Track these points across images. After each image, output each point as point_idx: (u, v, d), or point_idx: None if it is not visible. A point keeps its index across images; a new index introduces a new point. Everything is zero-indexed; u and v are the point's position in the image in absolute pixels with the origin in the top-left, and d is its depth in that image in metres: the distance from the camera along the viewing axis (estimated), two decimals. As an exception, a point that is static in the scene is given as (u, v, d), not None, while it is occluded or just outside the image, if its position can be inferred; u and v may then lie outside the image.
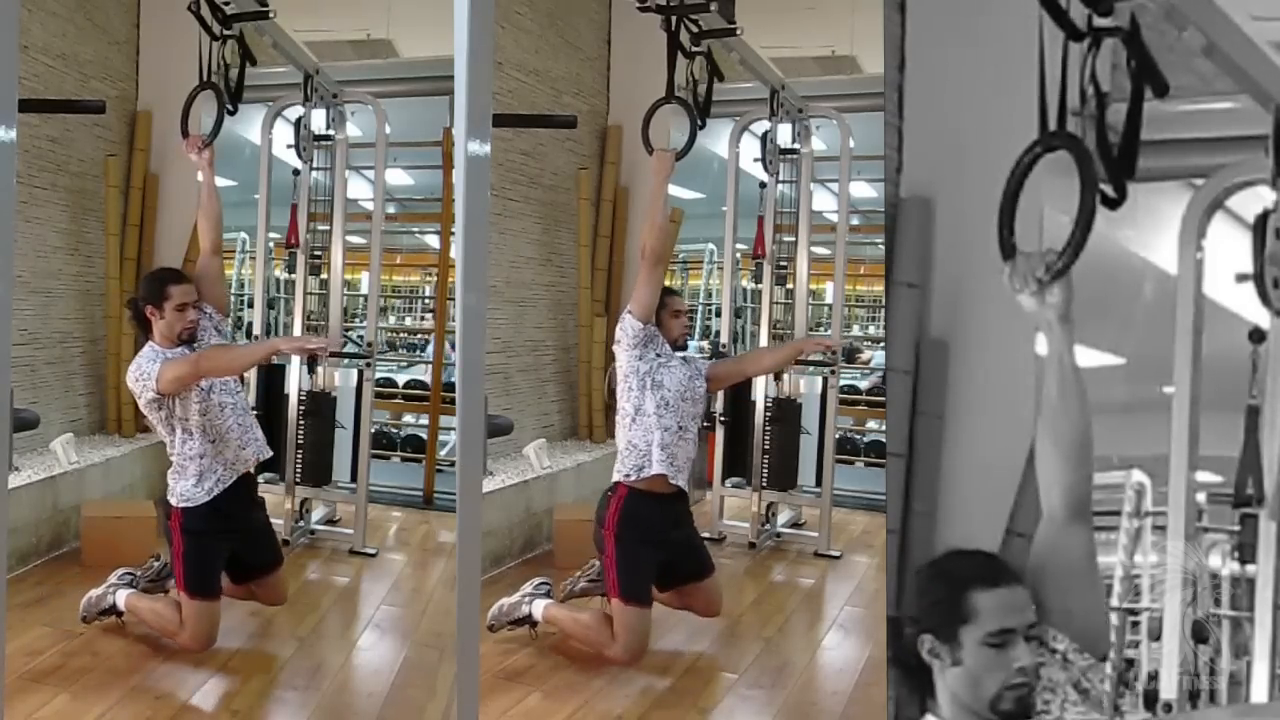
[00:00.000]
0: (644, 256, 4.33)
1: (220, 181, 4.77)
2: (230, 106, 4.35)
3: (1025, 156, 2.48)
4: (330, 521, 5.41)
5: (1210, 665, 4.27)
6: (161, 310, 4.10)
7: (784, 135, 5.57)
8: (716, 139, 5.67)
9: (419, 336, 7.89)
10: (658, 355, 4.46)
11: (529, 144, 5.46)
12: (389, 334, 7.75)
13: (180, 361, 4.08)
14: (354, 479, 5.37)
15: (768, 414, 5.59)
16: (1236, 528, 4.42)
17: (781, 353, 5.32)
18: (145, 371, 4.05)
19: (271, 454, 4.42)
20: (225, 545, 4.22)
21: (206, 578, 4.14)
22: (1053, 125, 2.48)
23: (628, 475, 4.39)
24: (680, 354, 4.55)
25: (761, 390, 5.60)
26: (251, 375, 5.36)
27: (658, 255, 4.28)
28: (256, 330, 5.34)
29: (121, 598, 4.28)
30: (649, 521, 4.34)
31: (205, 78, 4.27)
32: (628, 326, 4.41)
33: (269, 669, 4.16)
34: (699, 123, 4.64)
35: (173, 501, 4.21)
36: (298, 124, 5.14)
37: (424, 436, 6.01)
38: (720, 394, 5.85)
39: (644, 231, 4.30)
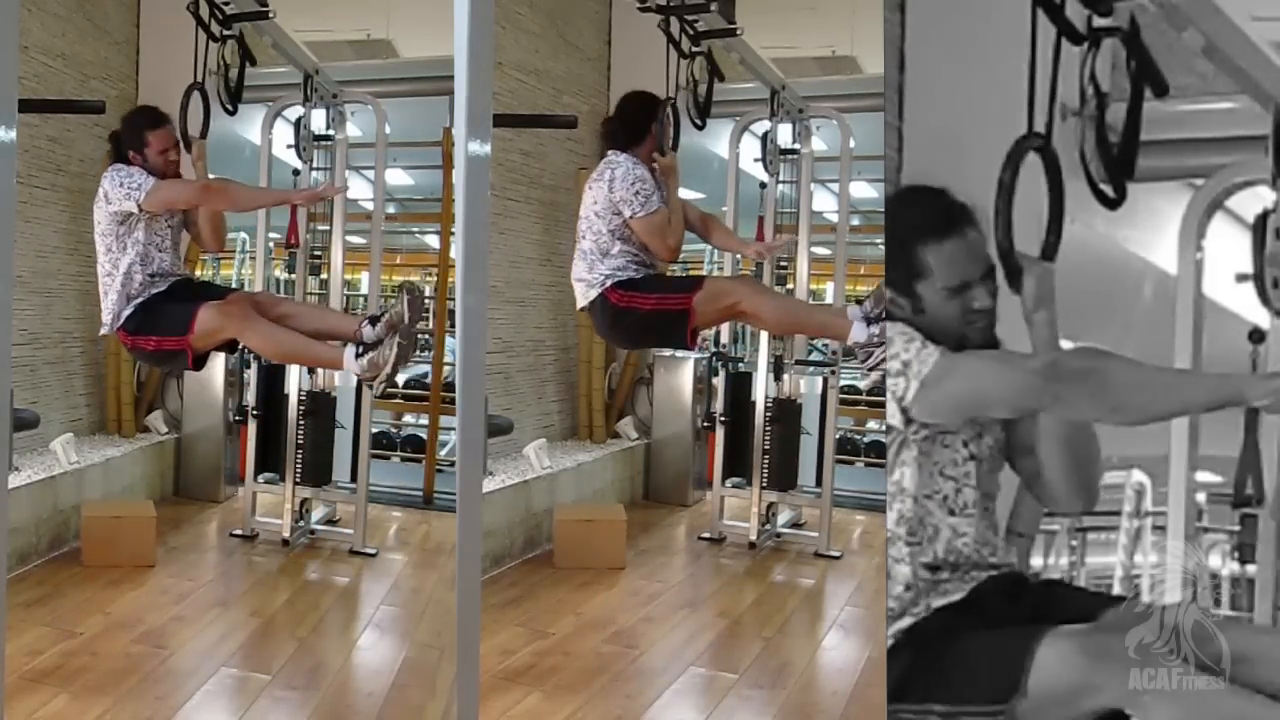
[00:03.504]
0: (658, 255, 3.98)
1: (220, 182, 4.77)
2: (229, 106, 4.34)
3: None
4: (330, 521, 5.42)
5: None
6: (143, 155, 3.95)
7: (784, 135, 5.57)
8: (716, 139, 5.67)
9: (419, 336, 7.88)
10: None
11: (529, 144, 5.46)
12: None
13: (181, 185, 3.96)
14: (354, 479, 5.37)
15: (768, 414, 5.60)
16: (1236, 528, 4.43)
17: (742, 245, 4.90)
18: (136, 183, 3.86)
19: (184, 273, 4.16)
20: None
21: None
22: (1039, 126, 2.49)
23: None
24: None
25: (762, 390, 5.61)
26: (252, 375, 5.38)
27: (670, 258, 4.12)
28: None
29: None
30: None
31: (201, 78, 4.27)
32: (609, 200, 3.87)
33: (269, 669, 4.16)
34: (698, 122, 4.61)
35: (113, 327, 3.99)
36: (298, 124, 5.13)
37: (424, 436, 6.02)
38: (720, 394, 5.86)
39: (666, 238, 3.89)
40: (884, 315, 3.69)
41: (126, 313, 3.95)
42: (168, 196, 3.91)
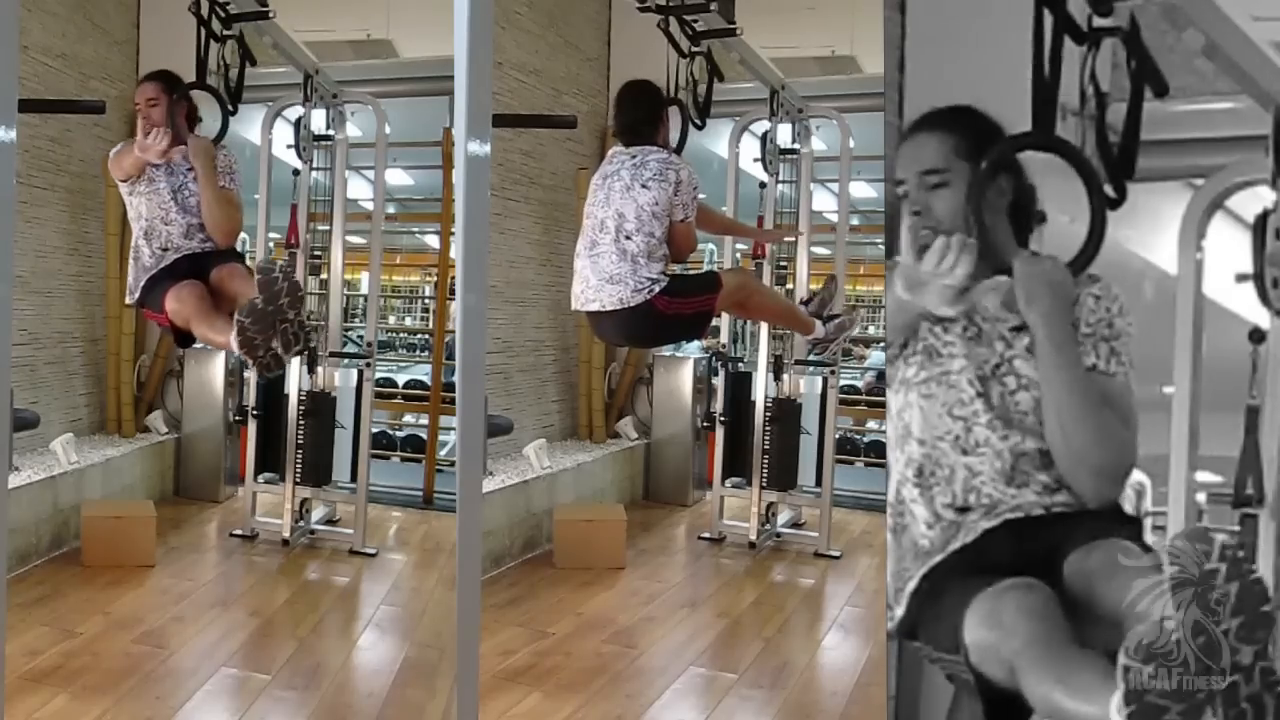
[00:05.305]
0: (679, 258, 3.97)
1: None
2: (230, 106, 4.35)
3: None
4: (330, 521, 5.42)
5: (1210, 665, 4.26)
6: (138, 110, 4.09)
7: (784, 135, 5.57)
8: (716, 139, 5.67)
9: (419, 336, 7.90)
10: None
11: (529, 144, 5.46)
12: (389, 333, 7.76)
13: (126, 149, 4.04)
14: (354, 479, 5.37)
15: (768, 414, 5.60)
16: (1236, 528, 4.42)
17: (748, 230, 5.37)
18: (114, 151, 4.05)
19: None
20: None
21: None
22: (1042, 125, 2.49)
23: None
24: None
25: (761, 390, 5.61)
26: (252, 376, 5.38)
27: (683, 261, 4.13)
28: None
29: None
30: None
31: (203, 78, 4.28)
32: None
33: (269, 669, 4.16)
34: (698, 122, 4.60)
35: (131, 297, 4.04)
36: (298, 124, 5.14)
37: (424, 436, 6.02)
38: (720, 394, 5.86)
39: (692, 243, 3.91)
40: (825, 315, 4.26)
41: (141, 283, 3.98)
42: (122, 160, 3.99)
